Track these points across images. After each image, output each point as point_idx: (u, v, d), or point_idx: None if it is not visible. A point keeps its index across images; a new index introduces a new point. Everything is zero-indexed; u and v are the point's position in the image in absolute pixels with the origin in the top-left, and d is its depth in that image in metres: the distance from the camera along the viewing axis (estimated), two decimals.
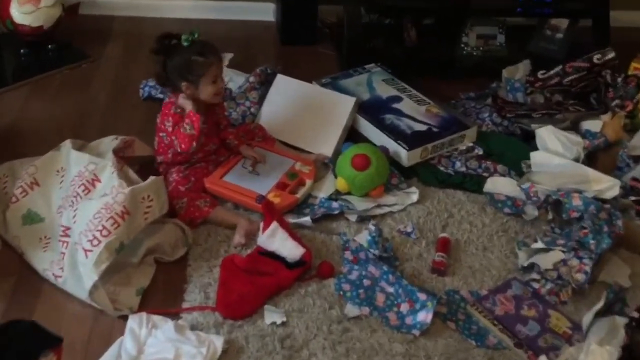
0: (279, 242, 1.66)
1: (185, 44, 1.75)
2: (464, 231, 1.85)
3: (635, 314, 1.42)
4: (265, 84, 2.23)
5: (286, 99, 2.16)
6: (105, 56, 2.56)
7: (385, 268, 1.65)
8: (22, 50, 2.47)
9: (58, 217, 1.66)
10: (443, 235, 1.81)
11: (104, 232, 1.49)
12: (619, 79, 2.19)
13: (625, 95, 2.16)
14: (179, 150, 1.81)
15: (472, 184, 2.00)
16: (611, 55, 2.22)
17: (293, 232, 1.73)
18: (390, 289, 1.62)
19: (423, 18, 2.69)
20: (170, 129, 1.81)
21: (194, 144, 1.77)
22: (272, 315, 1.54)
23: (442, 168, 2.04)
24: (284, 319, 1.53)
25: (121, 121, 2.17)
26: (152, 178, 1.65)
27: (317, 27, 2.79)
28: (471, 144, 2.10)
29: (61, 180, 1.73)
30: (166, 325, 1.47)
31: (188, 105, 1.80)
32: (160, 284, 1.62)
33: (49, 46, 2.48)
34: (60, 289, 1.56)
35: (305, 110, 2.14)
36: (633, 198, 1.83)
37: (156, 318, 1.50)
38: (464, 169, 2.03)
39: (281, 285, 1.61)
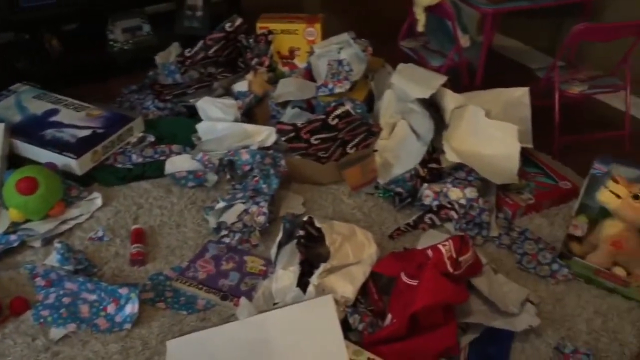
0: None
1: None
2: (155, 217, 1.91)
3: (302, 232, 1.64)
4: None
5: None
6: None
7: (81, 279, 1.62)
8: None
9: None
10: (135, 226, 1.84)
11: None
12: (252, 40, 2.43)
13: (260, 52, 2.41)
14: None
15: (153, 170, 2.06)
16: (239, 21, 2.43)
17: None
18: (93, 297, 1.60)
19: (61, 26, 2.62)
20: None
21: None
22: None
23: (119, 165, 2.06)
24: None
25: None
26: None
27: None
28: (141, 134, 2.15)
29: None
30: None
31: None
32: None
33: None
34: None
35: None
36: (284, 138, 2.07)
37: None
38: (141, 159, 2.08)
39: None
